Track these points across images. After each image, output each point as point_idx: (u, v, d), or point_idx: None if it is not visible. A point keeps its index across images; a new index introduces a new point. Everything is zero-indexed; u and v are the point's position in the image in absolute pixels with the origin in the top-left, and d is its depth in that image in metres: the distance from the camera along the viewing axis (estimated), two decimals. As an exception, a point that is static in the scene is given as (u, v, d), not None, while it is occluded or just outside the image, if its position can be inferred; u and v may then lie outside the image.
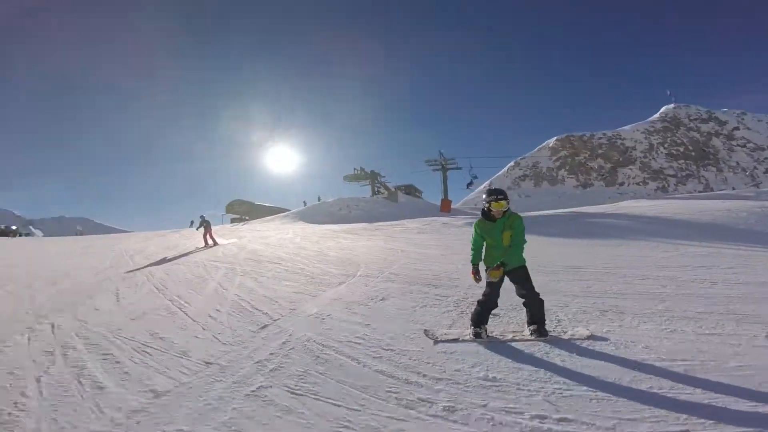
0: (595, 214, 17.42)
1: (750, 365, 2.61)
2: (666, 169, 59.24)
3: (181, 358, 3.21)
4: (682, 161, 59.68)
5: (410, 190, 42.33)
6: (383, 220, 23.42)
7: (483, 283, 3.54)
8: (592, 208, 20.14)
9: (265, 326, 3.95)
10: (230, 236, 15.69)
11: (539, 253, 9.12)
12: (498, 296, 3.47)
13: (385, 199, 36.09)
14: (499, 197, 3.38)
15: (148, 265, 9.02)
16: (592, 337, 3.34)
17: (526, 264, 3.50)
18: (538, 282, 5.63)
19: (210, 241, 13.69)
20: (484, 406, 2.23)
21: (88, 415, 2.47)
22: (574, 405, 2.20)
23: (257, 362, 3.01)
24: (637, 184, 58.96)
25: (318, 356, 3.07)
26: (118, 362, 3.23)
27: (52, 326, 4.46)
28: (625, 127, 67.16)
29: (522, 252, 3.48)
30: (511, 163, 71.18)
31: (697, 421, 1.97)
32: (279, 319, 4.21)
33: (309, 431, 2.08)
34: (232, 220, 35.84)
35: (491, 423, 2.06)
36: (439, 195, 39.56)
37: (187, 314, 4.55)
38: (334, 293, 5.33)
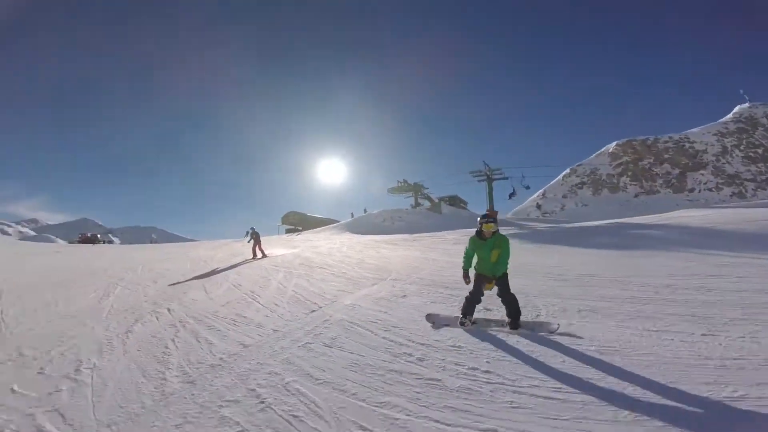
0: (641, 225, 17.16)
1: (655, 354, 3.38)
2: (743, 173, 53.52)
3: (258, 328, 4.79)
4: (762, 164, 53.53)
5: (454, 202, 42.60)
6: (425, 231, 24.32)
7: (472, 285, 4.59)
8: (641, 219, 19.66)
9: (313, 311, 5.47)
10: (284, 247, 16.85)
11: (565, 263, 9.77)
12: (482, 294, 4.52)
13: (428, 210, 36.94)
14: (489, 220, 4.40)
15: (221, 269, 11.04)
16: (557, 331, 4.16)
17: (507, 271, 4.40)
18: (546, 286, 6.61)
19: (258, 253, 13.91)
20: (443, 359, 3.46)
21: (206, 356, 4.04)
22: (501, 365, 3.29)
23: (306, 330, 4.50)
24: (710, 190, 53.92)
25: (346, 329, 4.48)
26: (218, 330, 4.87)
27: (168, 310, 6.29)
28: (693, 130, 61.81)
29: (506, 264, 4.41)
30: (567, 171, 68.40)
31: (568, 386, 2.88)
32: (323, 306, 5.70)
33: (332, 363, 3.49)
34: (287, 231, 38.90)
35: (442, 368, 3.29)
36: (486, 206, 39.59)
37: (259, 302, 6.22)
38: (366, 291, 6.70)
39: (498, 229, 4.49)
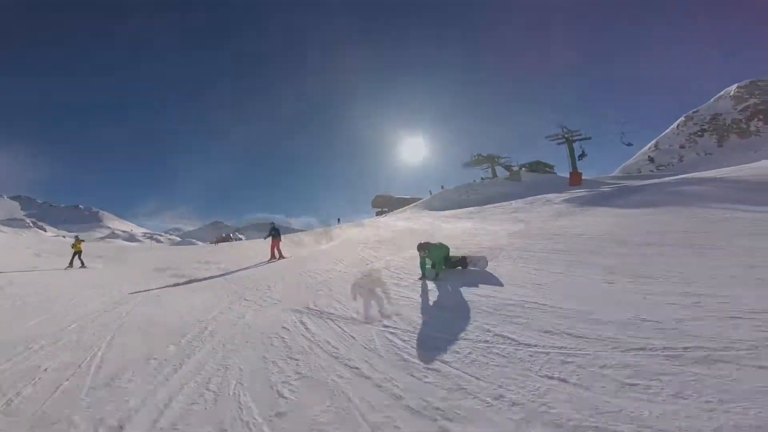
0: (693, 180, 17.26)
1: (538, 282, 6.69)
2: None
3: (338, 272, 9.57)
4: None
5: (537, 167, 41.77)
6: (500, 201, 26.32)
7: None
8: (708, 173, 19.05)
9: (367, 264, 10.04)
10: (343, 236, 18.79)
11: (577, 223, 11.98)
12: (424, 269, 7.95)
13: (506, 180, 37.64)
14: (420, 248, 7.45)
15: (322, 249, 16.21)
16: (487, 268, 7.65)
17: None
18: (524, 243, 9.67)
19: (276, 254, 13.85)
20: (410, 277, 7.66)
21: (314, 281, 8.79)
22: (426, 287, 7.17)
23: (359, 271, 9.13)
24: None
25: (382, 271, 8.85)
26: (320, 274, 9.75)
27: (308, 273, 11.39)
28: None
29: (442, 266, 7.39)
30: (682, 118, 59.92)
31: (447, 283, 6.79)
32: (374, 262, 10.23)
33: (368, 279, 7.93)
34: (377, 213, 43.84)
35: (407, 280, 7.50)
36: (569, 168, 38.61)
37: (342, 263, 11.00)
38: (405, 254, 10.86)
39: (428, 246, 7.52)
